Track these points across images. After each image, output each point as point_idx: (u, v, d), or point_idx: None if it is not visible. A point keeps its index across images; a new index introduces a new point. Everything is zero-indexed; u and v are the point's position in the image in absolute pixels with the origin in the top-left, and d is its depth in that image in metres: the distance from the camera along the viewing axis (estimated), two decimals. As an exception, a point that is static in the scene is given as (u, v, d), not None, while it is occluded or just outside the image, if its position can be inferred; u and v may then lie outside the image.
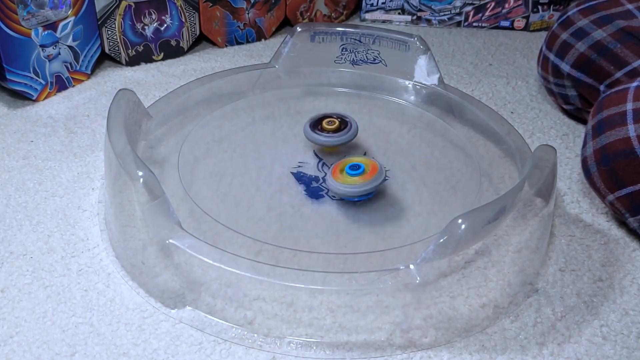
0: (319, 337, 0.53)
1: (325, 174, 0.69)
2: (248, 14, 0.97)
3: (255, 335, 0.52)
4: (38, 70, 0.81)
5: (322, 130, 0.70)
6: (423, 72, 0.80)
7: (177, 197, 0.64)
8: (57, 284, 0.57)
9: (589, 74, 0.75)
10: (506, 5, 1.04)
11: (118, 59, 0.91)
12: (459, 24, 1.06)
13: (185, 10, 0.92)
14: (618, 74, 0.72)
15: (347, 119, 0.72)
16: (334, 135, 0.70)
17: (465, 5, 1.04)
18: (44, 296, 0.56)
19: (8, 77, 0.79)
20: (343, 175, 0.64)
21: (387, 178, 0.68)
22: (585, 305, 0.57)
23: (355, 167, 0.64)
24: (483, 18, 1.05)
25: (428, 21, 1.06)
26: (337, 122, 0.71)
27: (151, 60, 0.93)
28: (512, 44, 1.01)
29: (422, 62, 0.80)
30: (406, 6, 1.05)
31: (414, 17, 1.06)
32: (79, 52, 0.85)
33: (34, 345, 0.51)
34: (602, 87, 0.73)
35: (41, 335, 0.52)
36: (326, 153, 0.72)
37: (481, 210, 0.53)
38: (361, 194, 0.63)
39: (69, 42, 0.84)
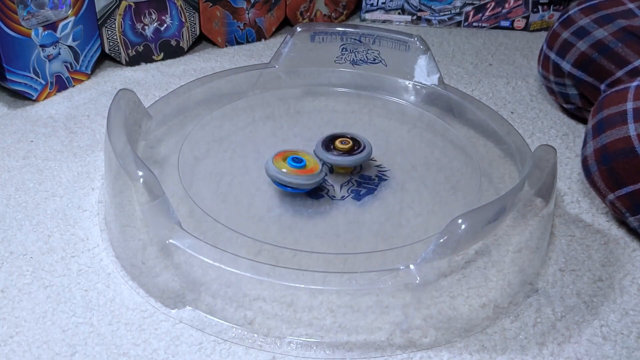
0: (319, 337, 0.53)
1: (326, 174, 0.69)
2: (248, 14, 0.97)
3: (255, 335, 0.52)
4: (38, 70, 0.81)
5: (335, 149, 0.68)
6: (423, 72, 0.80)
7: (177, 197, 0.64)
8: (57, 284, 0.57)
9: (589, 73, 0.75)
10: (506, 5, 1.04)
11: (118, 59, 0.91)
12: (459, 24, 1.06)
13: (185, 10, 0.92)
14: (619, 73, 0.72)
15: (360, 140, 0.70)
16: (346, 155, 0.68)
17: (465, 5, 1.04)
18: (44, 296, 0.56)
19: (8, 77, 0.79)
20: (284, 163, 0.64)
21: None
22: (585, 305, 0.57)
23: (297, 160, 0.64)
24: (483, 18, 1.05)
25: (428, 21, 1.06)
26: (350, 143, 0.68)
27: (151, 60, 0.93)
28: (512, 44, 1.01)
29: (422, 62, 0.80)
30: (406, 6, 1.05)
31: (414, 17, 1.06)
32: (79, 52, 0.85)
33: (34, 345, 0.51)
34: (602, 86, 0.73)
35: (41, 335, 0.52)
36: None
37: (481, 210, 0.53)
38: (296, 186, 0.64)
39: (69, 42, 0.84)
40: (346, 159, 0.68)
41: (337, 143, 0.69)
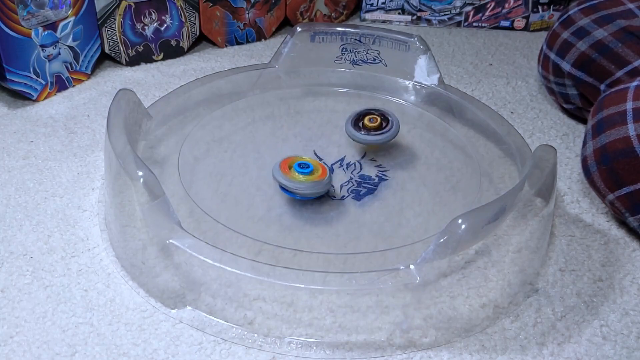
0: (319, 337, 0.53)
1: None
2: (248, 14, 0.97)
3: (255, 335, 0.52)
4: (38, 70, 0.81)
5: (364, 128, 0.70)
6: (423, 72, 0.80)
7: (177, 197, 0.64)
8: (57, 284, 0.57)
9: (589, 73, 0.75)
10: (506, 5, 1.04)
11: (118, 59, 0.91)
12: (459, 24, 1.06)
13: (185, 10, 0.92)
14: (619, 73, 0.72)
15: (387, 115, 0.72)
16: (377, 133, 0.70)
17: (465, 5, 1.04)
18: (44, 296, 0.56)
19: (8, 77, 0.79)
20: (292, 171, 0.63)
21: (381, 180, 0.68)
22: (585, 305, 0.57)
23: (304, 166, 0.63)
24: (483, 18, 1.05)
25: (428, 21, 1.06)
26: (378, 120, 0.70)
27: (151, 60, 0.93)
28: (512, 44, 1.01)
29: (422, 62, 0.80)
30: (406, 6, 1.05)
31: (414, 17, 1.06)
32: (79, 52, 0.85)
33: (34, 345, 0.51)
34: (602, 87, 0.73)
35: (41, 335, 0.52)
36: (327, 153, 0.72)
37: (481, 210, 0.53)
38: (311, 194, 0.63)
39: (69, 42, 0.84)
40: (375, 137, 0.70)
41: (366, 121, 0.70)
